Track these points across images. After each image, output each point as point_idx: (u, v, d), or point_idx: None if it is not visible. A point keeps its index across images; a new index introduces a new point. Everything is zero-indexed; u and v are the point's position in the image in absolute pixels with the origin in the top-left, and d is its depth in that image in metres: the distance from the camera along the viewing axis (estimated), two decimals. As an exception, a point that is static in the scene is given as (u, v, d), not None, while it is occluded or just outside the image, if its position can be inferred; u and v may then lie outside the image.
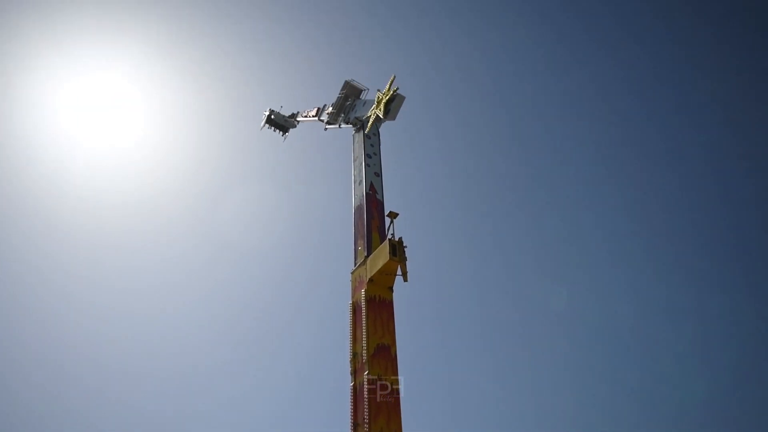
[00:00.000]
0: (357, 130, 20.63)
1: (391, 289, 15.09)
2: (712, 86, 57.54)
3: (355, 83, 22.77)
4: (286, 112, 29.65)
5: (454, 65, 66.32)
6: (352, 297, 15.57)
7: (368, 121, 19.79)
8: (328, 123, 24.28)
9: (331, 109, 23.86)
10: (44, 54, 63.78)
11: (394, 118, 18.84)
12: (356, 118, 21.37)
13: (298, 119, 28.89)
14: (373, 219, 16.93)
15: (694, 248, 54.68)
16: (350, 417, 13.29)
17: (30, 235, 61.62)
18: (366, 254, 15.86)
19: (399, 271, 14.57)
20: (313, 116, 26.28)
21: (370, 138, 19.80)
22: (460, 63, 66.45)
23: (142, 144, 70.74)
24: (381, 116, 18.83)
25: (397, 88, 18.66)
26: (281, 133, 29.89)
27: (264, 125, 29.80)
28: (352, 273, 16.20)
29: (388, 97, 18.69)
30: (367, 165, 18.67)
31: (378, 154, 19.54)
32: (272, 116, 29.62)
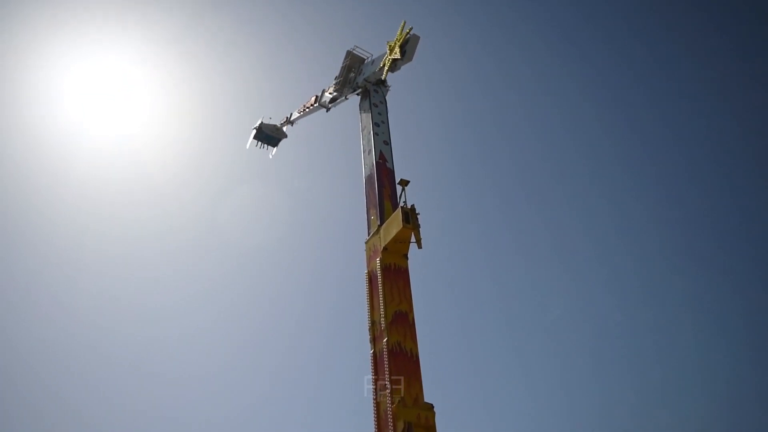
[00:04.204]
0: (364, 98, 20.39)
1: (405, 256, 15.09)
2: (714, 77, 56.74)
3: (357, 52, 22.05)
4: (279, 119, 28.78)
5: (468, 26, 65.65)
6: (368, 266, 15.61)
7: (383, 71, 19.43)
8: (332, 101, 23.74)
9: (333, 87, 23.29)
10: (51, 38, 63.69)
11: (411, 59, 18.63)
12: (365, 79, 20.86)
13: (293, 119, 28.07)
14: (385, 188, 16.85)
15: (689, 259, 54.34)
16: (372, 383, 13.49)
17: (33, 219, 62.38)
18: (379, 223, 15.82)
19: (413, 239, 14.54)
20: (312, 104, 25.69)
21: (377, 106, 19.60)
22: (475, 25, 65.82)
23: (146, 130, 70.88)
24: (399, 57, 18.46)
25: (411, 29, 18.42)
26: (269, 147, 28.91)
27: (251, 142, 28.84)
28: (366, 243, 16.20)
29: (402, 40, 18.43)
30: (375, 134, 18.52)
31: (386, 122, 19.34)
32: (261, 129, 28.65)
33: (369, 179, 17.60)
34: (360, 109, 20.50)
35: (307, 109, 26.51)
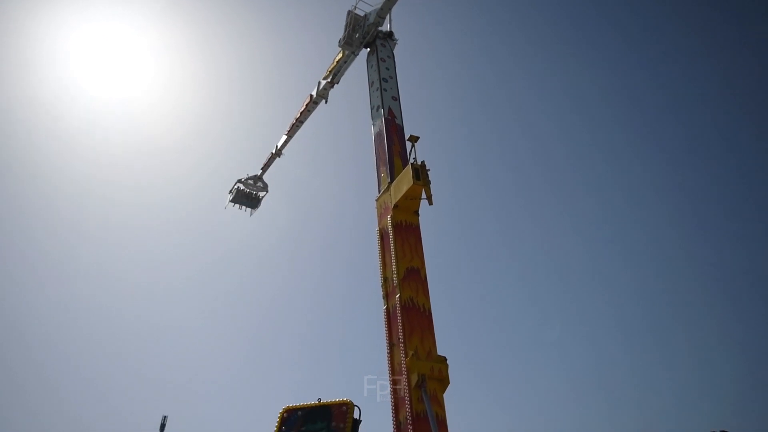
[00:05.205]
0: (371, 54, 19.93)
1: (416, 213, 15.06)
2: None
3: (359, 11, 20.64)
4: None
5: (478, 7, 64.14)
6: (379, 224, 15.62)
7: None
8: (335, 74, 22.72)
9: (340, 55, 22.12)
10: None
11: None
12: (378, 14, 19.93)
13: (281, 149, 26.35)
14: (394, 144, 16.65)
15: (686, 281, 53.61)
16: (386, 338, 13.70)
17: (31, 178, 62.74)
18: (389, 180, 15.73)
19: (424, 195, 14.43)
20: (307, 105, 24.39)
21: (384, 61, 19.18)
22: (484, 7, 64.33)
23: (149, 94, 70.42)
24: None
25: None
26: (249, 209, 27.29)
27: (228, 204, 27.18)
28: (376, 200, 16.17)
29: None
30: (383, 90, 18.17)
31: (394, 77, 18.94)
32: (239, 190, 26.94)
33: (378, 136, 17.40)
34: (367, 65, 20.05)
35: (300, 116, 24.92)
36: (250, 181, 27.68)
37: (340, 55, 22.02)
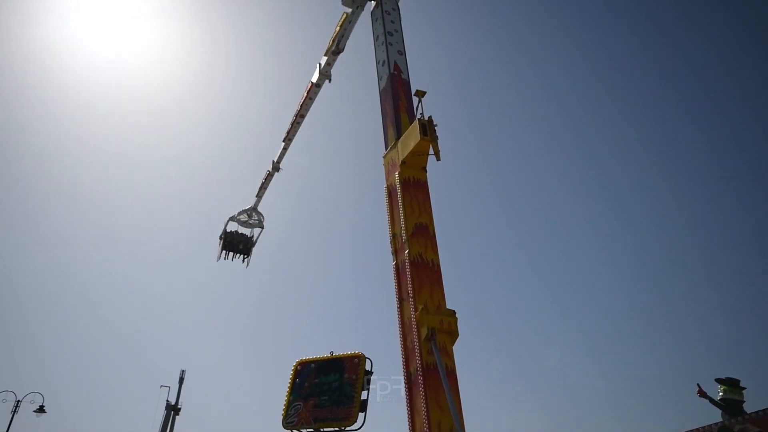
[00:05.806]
0: (376, 6, 19.45)
1: (424, 169, 14.97)
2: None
3: None
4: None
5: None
6: (387, 181, 15.56)
7: None
8: (340, 39, 21.60)
9: (344, 17, 21.17)
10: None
11: None
12: None
13: (278, 163, 24.02)
14: (401, 100, 16.42)
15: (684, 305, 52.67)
16: (396, 293, 13.87)
17: (28, 126, 63.19)
18: (396, 137, 15.59)
19: (431, 151, 14.24)
20: (309, 93, 23.06)
21: (389, 14, 18.72)
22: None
23: (144, 54, 69.81)
24: None
25: None
26: (243, 257, 24.52)
27: (221, 255, 24.32)
28: (383, 157, 16.07)
29: None
30: (389, 44, 17.80)
31: (400, 31, 18.50)
32: (230, 229, 24.22)
33: (384, 92, 17.15)
34: (372, 18, 19.59)
35: (300, 109, 23.41)
36: (244, 216, 25.32)
37: (344, 17, 21.26)
